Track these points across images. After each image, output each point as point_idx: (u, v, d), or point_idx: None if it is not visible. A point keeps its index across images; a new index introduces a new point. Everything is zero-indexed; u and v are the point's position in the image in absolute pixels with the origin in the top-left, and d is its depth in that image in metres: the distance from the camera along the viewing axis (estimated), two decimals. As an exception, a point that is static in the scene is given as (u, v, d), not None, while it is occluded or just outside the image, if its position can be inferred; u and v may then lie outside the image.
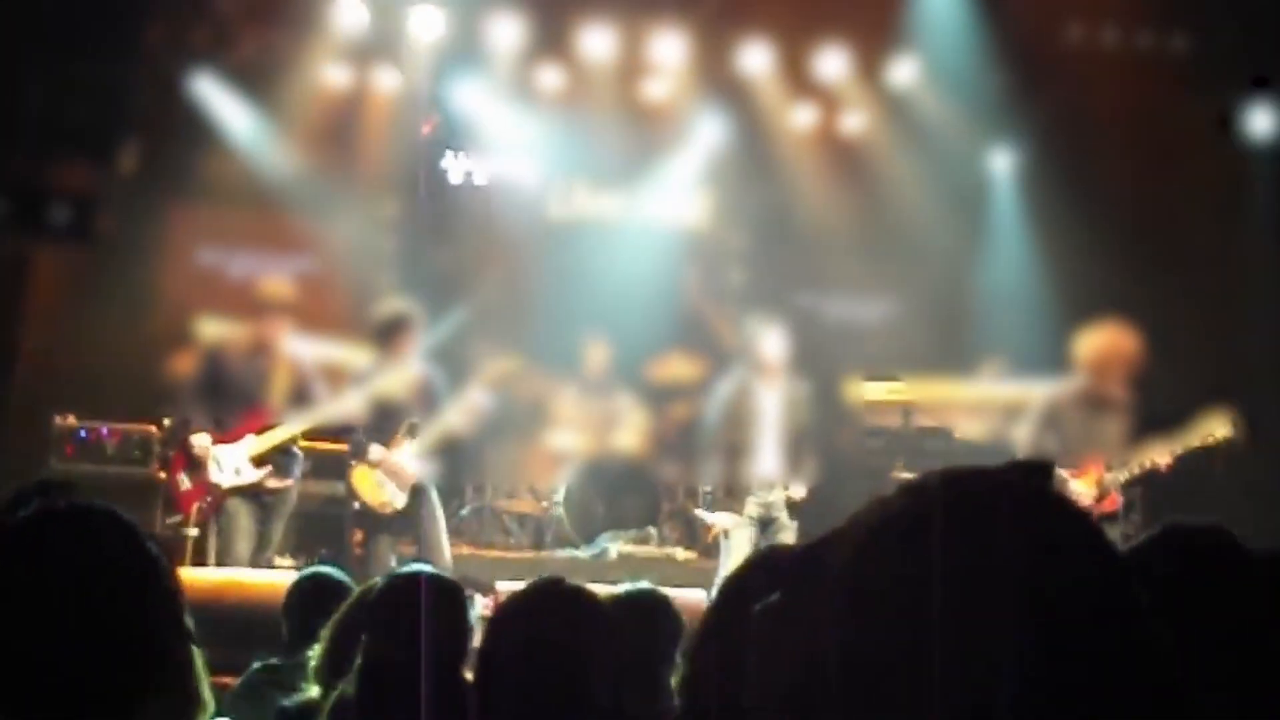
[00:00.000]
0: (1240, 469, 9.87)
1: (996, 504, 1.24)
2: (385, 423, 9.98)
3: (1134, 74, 12.59)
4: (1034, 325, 11.37)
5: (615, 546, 12.00)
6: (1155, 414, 9.51)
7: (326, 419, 9.73)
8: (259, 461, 9.53)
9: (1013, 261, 13.34)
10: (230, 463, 9.48)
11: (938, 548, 1.20)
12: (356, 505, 10.16)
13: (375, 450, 9.88)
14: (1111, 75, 12.53)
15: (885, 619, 1.20)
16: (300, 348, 9.91)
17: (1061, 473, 9.25)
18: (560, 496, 12.27)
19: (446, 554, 10.08)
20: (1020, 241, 13.44)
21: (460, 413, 10.13)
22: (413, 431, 9.98)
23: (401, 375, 9.94)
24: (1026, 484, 1.26)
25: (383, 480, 9.92)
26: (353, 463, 10.04)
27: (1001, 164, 13.99)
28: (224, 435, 9.54)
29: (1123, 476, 9.33)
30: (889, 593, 1.21)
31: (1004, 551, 1.20)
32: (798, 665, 1.27)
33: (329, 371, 10.20)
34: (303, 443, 10.01)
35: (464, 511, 12.38)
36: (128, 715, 2.09)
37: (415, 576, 4.27)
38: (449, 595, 4.16)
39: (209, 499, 9.51)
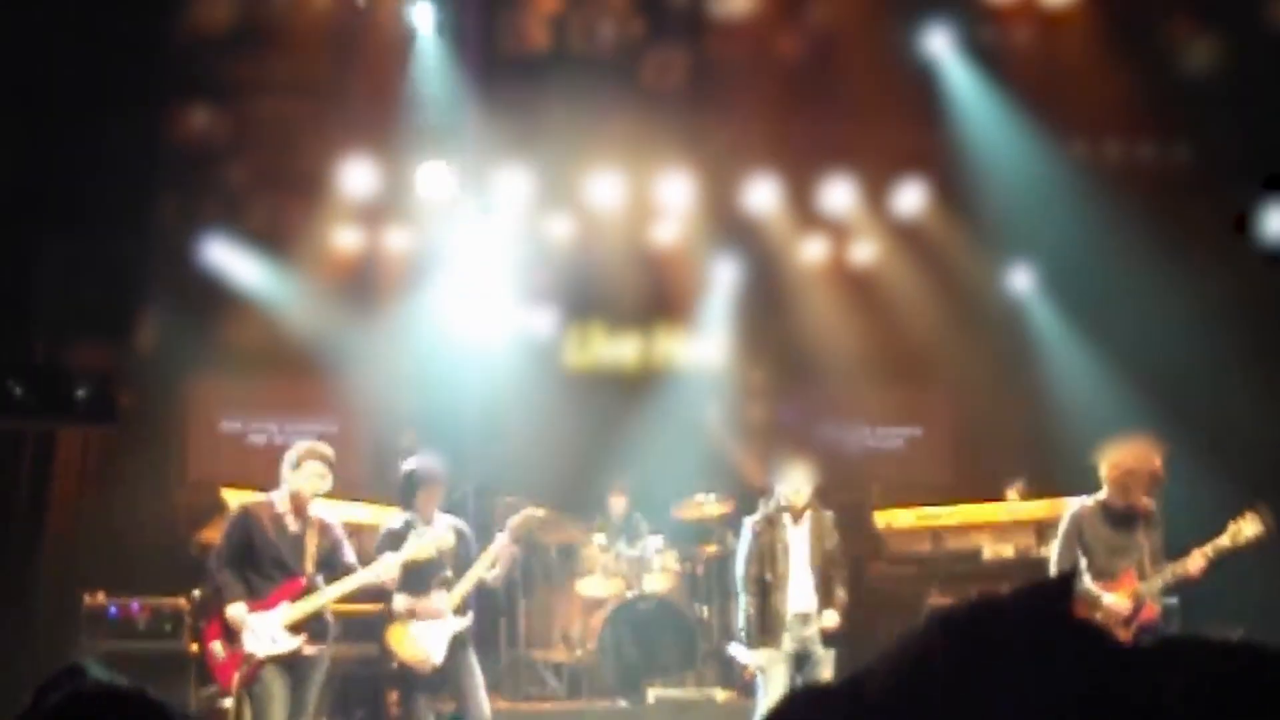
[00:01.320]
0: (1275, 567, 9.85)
1: (1016, 635, 1.24)
2: (417, 580, 9.95)
3: (1146, 183, 12.66)
4: (1065, 442, 11.33)
5: (654, 692, 11.91)
6: (1188, 521, 9.51)
7: (363, 583, 9.68)
8: (295, 629, 9.49)
9: (1052, 376, 13.36)
10: (266, 631, 9.43)
11: (961, 687, 1.20)
12: (394, 665, 10.09)
13: (400, 601, 9.84)
14: (1122, 186, 12.59)
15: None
16: (325, 511, 9.90)
17: (1093, 589, 9.24)
18: (595, 644, 12.20)
19: (486, 708, 10.00)
20: (1056, 357, 13.48)
21: (490, 563, 10.10)
22: (446, 585, 9.95)
23: (433, 532, 9.92)
24: (1045, 610, 1.26)
25: (417, 635, 9.87)
26: (388, 622, 10.00)
27: (1022, 281, 14.06)
28: (259, 603, 9.51)
29: (1157, 585, 9.34)
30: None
31: (1026, 682, 1.20)
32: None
33: (354, 533, 10.18)
34: (335, 606, 9.97)
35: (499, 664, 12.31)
36: None
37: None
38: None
39: (246, 669, 9.45)
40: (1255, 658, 2.38)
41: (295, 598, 9.48)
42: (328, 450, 9.74)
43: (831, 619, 10.02)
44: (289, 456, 9.68)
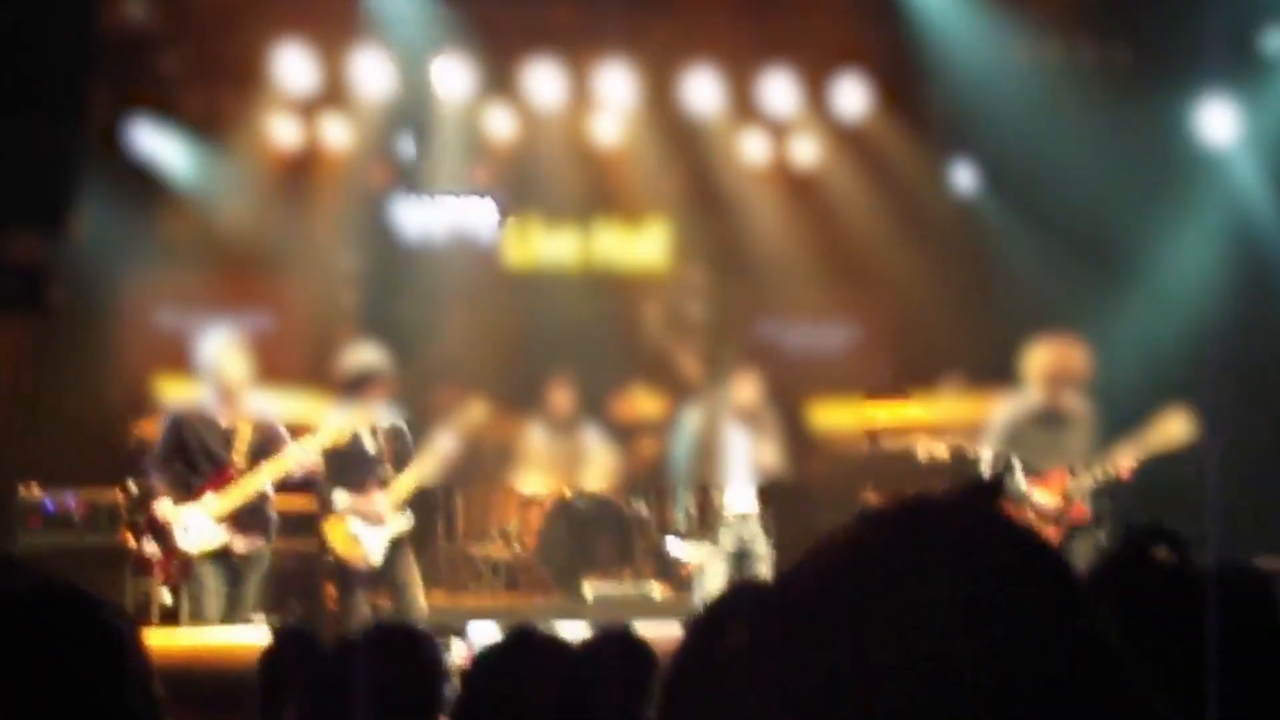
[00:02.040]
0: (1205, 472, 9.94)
1: (942, 532, 1.24)
2: (355, 474, 9.95)
3: (1083, 85, 12.64)
4: (999, 341, 11.40)
5: (591, 587, 11.98)
6: (1118, 420, 9.57)
7: (284, 471, 9.66)
8: (224, 521, 9.47)
9: (995, 274, 13.41)
10: (195, 525, 9.42)
11: (887, 581, 1.20)
12: (330, 559, 10.11)
13: (341, 498, 9.84)
14: (1060, 88, 12.58)
15: (836, 654, 1.20)
16: (263, 404, 9.86)
17: (1024, 485, 9.31)
18: (533, 540, 12.26)
19: (422, 603, 10.04)
20: (1000, 256, 13.52)
21: (430, 461, 10.11)
22: (384, 484, 9.95)
23: (369, 426, 9.91)
24: (972, 508, 1.26)
25: (356, 532, 9.88)
26: (325, 516, 10.00)
27: (967, 180, 14.07)
28: (189, 497, 9.48)
29: (1086, 483, 9.40)
30: (840, 627, 1.21)
31: (950, 580, 1.20)
32: (764, 704, 1.26)
33: (291, 427, 10.15)
34: (275, 501, 9.95)
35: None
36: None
37: (388, 630, 4.25)
38: (423, 647, 4.14)
39: (176, 564, 9.45)
40: (1174, 571, 2.42)
41: (223, 488, 9.47)
42: (237, 335, 9.73)
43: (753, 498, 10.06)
44: (205, 350, 9.65)
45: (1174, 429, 9.32)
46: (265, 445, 9.70)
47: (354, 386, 9.98)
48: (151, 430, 10.29)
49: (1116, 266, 12.32)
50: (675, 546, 10.73)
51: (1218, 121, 12.80)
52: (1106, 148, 12.18)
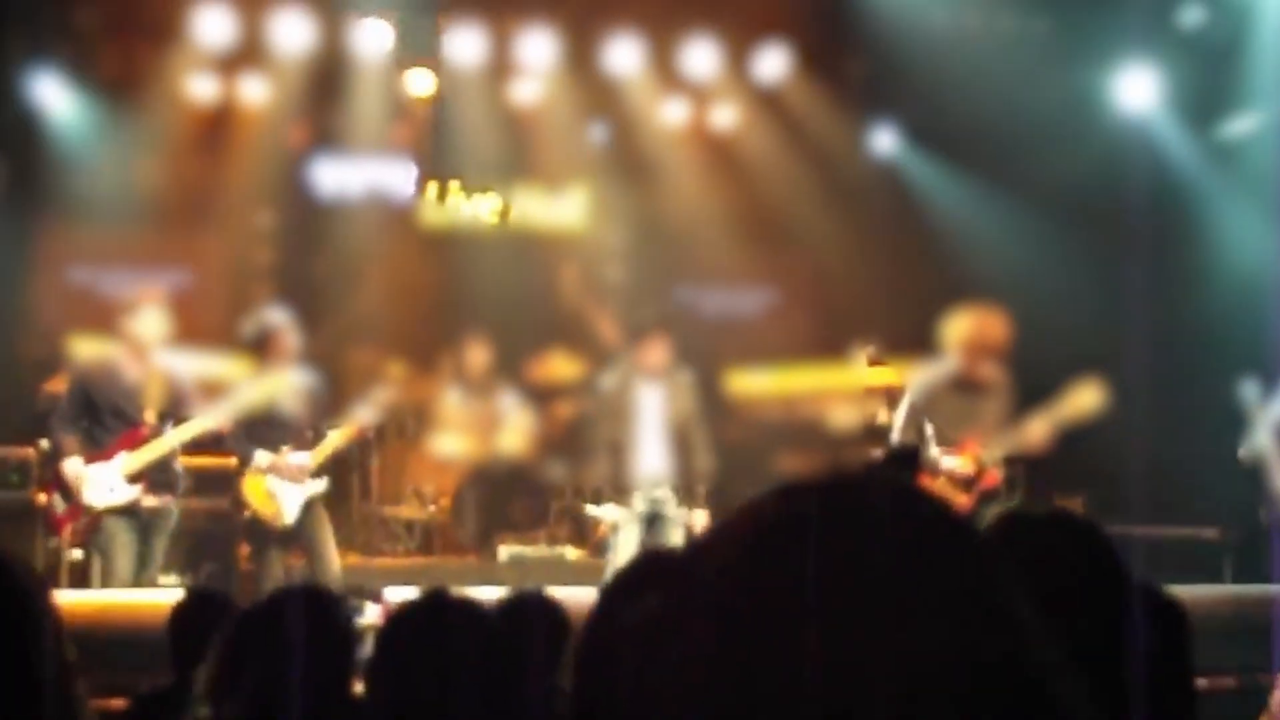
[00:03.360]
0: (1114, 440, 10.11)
1: (856, 505, 1.26)
2: (271, 433, 9.90)
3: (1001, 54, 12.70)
4: (918, 306, 11.48)
5: (505, 549, 11.99)
6: (1033, 389, 9.66)
7: (199, 431, 9.62)
8: (133, 479, 9.41)
9: (914, 242, 13.49)
10: (104, 482, 9.35)
11: (804, 555, 1.21)
12: (246, 515, 10.05)
13: (262, 456, 9.80)
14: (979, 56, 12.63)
15: (754, 629, 1.21)
16: (175, 362, 9.79)
17: (935, 454, 9.38)
18: (449, 502, 12.26)
19: (336, 564, 10.01)
20: (918, 222, 13.60)
21: (349, 431, 10.11)
22: (306, 445, 9.91)
23: (282, 384, 9.86)
24: (887, 481, 1.28)
25: (274, 490, 9.83)
26: (242, 473, 9.94)
27: (887, 144, 14.15)
28: (99, 455, 9.41)
29: (999, 452, 9.49)
30: (757, 602, 1.22)
31: (865, 553, 1.22)
32: (674, 675, 1.28)
33: (205, 385, 10.10)
34: (184, 458, 9.90)
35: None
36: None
37: (298, 591, 4.25)
38: (333, 608, 4.14)
39: (84, 520, 9.38)
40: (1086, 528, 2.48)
41: (134, 447, 9.41)
42: (155, 294, 9.66)
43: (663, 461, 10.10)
44: (125, 305, 9.58)
45: (1085, 399, 9.42)
46: (175, 403, 9.63)
47: (256, 344, 9.93)
48: (61, 387, 10.19)
49: (1040, 231, 12.44)
50: (590, 507, 10.76)
51: (1137, 88, 12.97)
52: (1026, 112, 12.27)
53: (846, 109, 13.69)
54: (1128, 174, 12.27)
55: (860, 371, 12.86)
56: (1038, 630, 1.24)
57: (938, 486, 9.01)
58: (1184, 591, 3.00)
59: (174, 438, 9.52)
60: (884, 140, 14.23)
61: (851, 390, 12.75)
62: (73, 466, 9.33)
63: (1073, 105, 12.69)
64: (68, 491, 9.36)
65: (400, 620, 3.60)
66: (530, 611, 4.74)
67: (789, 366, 13.15)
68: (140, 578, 9.37)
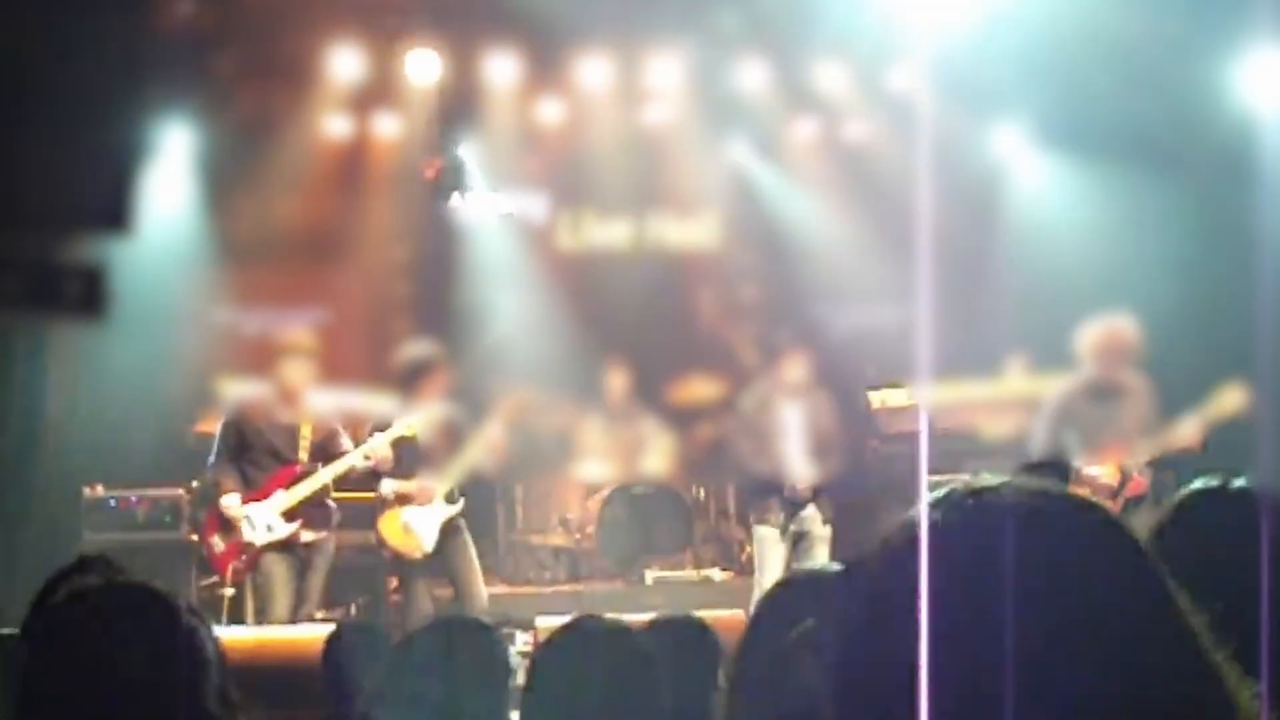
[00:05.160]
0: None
1: (1004, 519, 1.25)
2: (411, 466, 10.00)
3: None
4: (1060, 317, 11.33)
5: (651, 573, 12.00)
6: (1176, 393, 9.54)
7: (352, 467, 9.74)
8: (290, 516, 9.55)
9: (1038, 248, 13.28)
10: (262, 520, 9.50)
11: (955, 570, 1.21)
12: (387, 553, 10.16)
13: (388, 484, 9.89)
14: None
15: (905, 641, 1.21)
16: (323, 399, 9.93)
17: (1078, 462, 9.29)
18: (593, 528, 12.28)
19: (482, 594, 10.08)
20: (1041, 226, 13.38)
21: (480, 450, 10.15)
22: (437, 471, 9.99)
23: (426, 418, 9.95)
24: (1033, 494, 1.27)
25: (409, 524, 9.92)
26: (380, 510, 10.05)
27: (1008, 142, 13.95)
28: (254, 494, 9.56)
29: (1143, 457, 9.38)
30: (909, 614, 1.21)
31: (1014, 567, 1.21)
32: (831, 687, 1.27)
33: (353, 421, 10.23)
34: (335, 494, 10.03)
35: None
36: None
37: (450, 622, 4.28)
38: (484, 638, 4.16)
39: (244, 558, 9.53)
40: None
41: (289, 485, 9.55)
42: (308, 340, 9.81)
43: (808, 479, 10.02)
44: (276, 350, 9.76)
45: (1232, 400, 9.30)
46: (326, 441, 9.78)
47: (409, 380, 10.03)
48: (211, 428, 10.36)
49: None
50: (737, 530, 10.74)
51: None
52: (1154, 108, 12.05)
53: (975, 109, 13.54)
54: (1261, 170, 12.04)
55: (1007, 383, 12.72)
56: (1199, 622, 1.23)
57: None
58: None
59: (327, 474, 9.66)
60: (1005, 140, 14.00)
61: (999, 402, 12.61)
62: (231, 502, 9.48)
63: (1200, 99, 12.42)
64: (228, 529, 9.51)
65: (551, 647, 3.61)
66: (679, 634, 4.73)
67: (935, 379, 13.02)
68: (298, 613, 9.50)
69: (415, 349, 10.26)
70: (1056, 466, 1.35)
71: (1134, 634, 1.20)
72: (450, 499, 10.01)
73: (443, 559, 9.96)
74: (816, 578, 2.62)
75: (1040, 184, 13.68)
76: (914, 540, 1.27)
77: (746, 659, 2.61)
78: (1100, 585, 1.21)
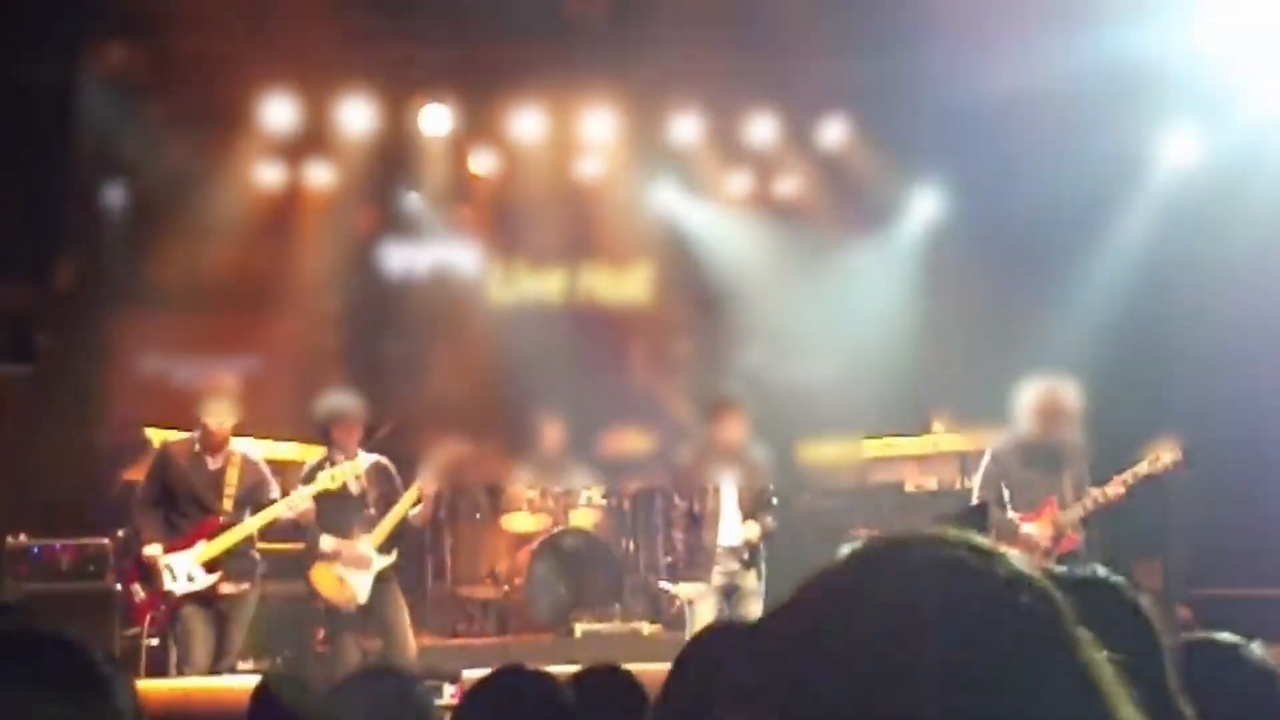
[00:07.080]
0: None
1: (921, 568, 1.25)
2: (340, 517, 9.95)
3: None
4: (983, 377, 11.40)
5: (581, 626, 11.95)
6: (1105, 452, 9.65)
7: (274, 517, 9.69)
8: (211, 567, 9.48)
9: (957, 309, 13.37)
10: (182, 570, 9.42)
11: (869, 621, 1.21)
12: (319, 604, 10.09)
13: (327, 541, 9.85)
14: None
15: (824, 694, 1.21)
16: (249, 449, 9.89)
17: (1013, 519, 9.38)
18: (522, 580, 12.23)
19: (411, 645, 10.02)
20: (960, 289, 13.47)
21: (411, 502, 10.10)
22: (369, 527, 9.96)
23: (352, 468, 9.92)
24: (952, 544, 1.27)
25: (343, 575, 9.88)
26: (311, 562, 9.99)
27: (924, 211, 14.08)
28: (178, 543, 9.49)
29: (1076, 514, 9.51)
30: (825, 668, 1.21)
31: (929, 616, 1.21)
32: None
33: (279, 470, 10.18)
34: (261, 545, 9.96)
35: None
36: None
37: (377, 673, 4.25)
38: (412, 690, 4.13)
39: (163, 608, 9.44)
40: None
41: (212, 535, 9.49)
42: (230, 383, 9.76)
43: (752, 531, 10.01)
44: (198, 395, 9.71)
45: (1164, 458, 9.44)
46: (253, 490, 9.72)
47: (326, 430, 10.03)
48: (138, 476, 10.29)
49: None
50: (665, 583, 10.71)
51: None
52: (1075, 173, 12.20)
53: (903, 172, 13.69)
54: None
55: (934, 439, 12.83)
56: (1117, 686, 1.24)
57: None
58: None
59: (251, 525, 9.60)
60: (927, 204, 14.13)
61: (925, 457, 12.71)
62: (153, 551, 9.42)
63: (1122, 165, 12.59)
64: (149, 578, 9.43)
65: (475, 698, 3.60)
66: (605, 685, 4.71)
67: (862, 434, 13.09)
68: (218, 665, 9.42)
69: (329, 399, 10.23)
70: (975, 513, 1.35)
71: (1036, 682, 1.20)
72: (383, 550, 9.98)
73: (373, 609, 9.91)
74: (737, 626, 2.62)
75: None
76: (826, 590, 1.27)
77: (664, 710, 2.61)
78: (1004, 635, 1.21)
